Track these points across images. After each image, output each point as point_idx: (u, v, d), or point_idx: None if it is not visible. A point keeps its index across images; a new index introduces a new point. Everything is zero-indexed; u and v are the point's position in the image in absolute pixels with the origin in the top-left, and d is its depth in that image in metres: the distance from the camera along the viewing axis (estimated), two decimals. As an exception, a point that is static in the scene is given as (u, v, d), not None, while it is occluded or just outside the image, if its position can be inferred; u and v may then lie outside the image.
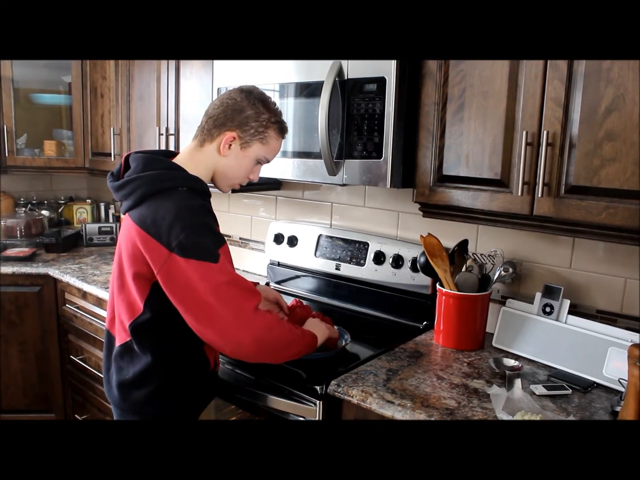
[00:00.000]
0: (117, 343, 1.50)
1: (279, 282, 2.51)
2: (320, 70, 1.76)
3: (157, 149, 2.52)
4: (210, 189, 1.50)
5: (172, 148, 2.52)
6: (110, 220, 3.47)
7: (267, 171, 1.97)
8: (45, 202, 3.47)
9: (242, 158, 1.48)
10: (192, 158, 1.48)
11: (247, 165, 1.50)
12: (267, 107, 1.47)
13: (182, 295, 1.33)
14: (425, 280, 2.00)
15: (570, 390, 1.54)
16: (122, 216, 1.51)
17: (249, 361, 1.45)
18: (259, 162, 1.52)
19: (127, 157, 1.49)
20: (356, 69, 1.70)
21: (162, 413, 1.49)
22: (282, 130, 1.51)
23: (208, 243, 1.33)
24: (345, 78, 1.72)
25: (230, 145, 1.46)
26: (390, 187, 1.69)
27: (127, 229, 1.41)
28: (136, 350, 1.45)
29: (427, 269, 1.89)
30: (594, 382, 1.58)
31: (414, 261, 2.03)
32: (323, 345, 1.63)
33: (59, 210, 3.52)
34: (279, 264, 2.51)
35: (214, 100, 1.52)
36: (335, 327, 1.75)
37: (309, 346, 1.53)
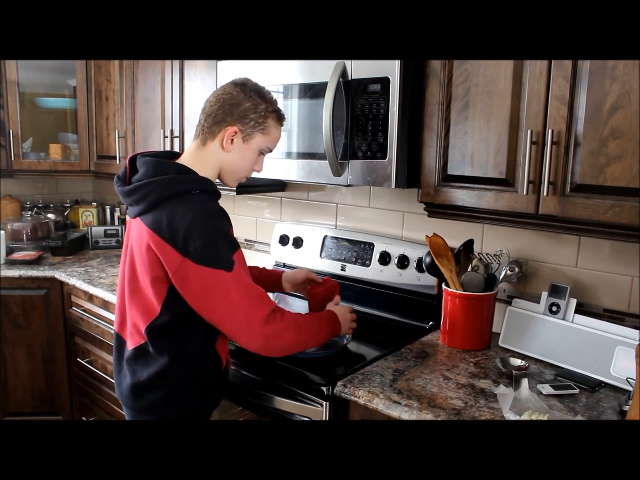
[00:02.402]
0: (130, 346, 1.51)
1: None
2: (324, 70, 1.76)
3: (161, 150, 2.53)
4: (219, 187, 1.51)
5: (176, 150, 2.52)
6: (116, 222, 3.48)
7: (272, 172, 1.97)
8: (51, 205, 3.48)
9: (246, 151, 1.49)
10: (197, 158, 1.48)
11: (251, 157, 1.51)
12: (264, 98, 1.47)
13: (197, 300, 1.37)
14: (431, 280, 2.00)
15: (578, 390, 1.53)
16: (128, 219, 1.51)
17: None
18: (262, 153, 1.53)
19: (132, 160, 1.49)
20: (360, 69, 1.70)
21: (177, 413, 1.50)
22: (280, 117, 1.52)
23: (223, 250, 1.35)
24: (349, 78, 1.72)
25: (232, 140, 1.46)
26: (395, 187, 1.69)
27: (140, 234, 1.41)
28: (151, 352, 1.46)
29: (433, 269, 1.88)
30: (602, 382, 1.57)
31: (420, 261, 2.03)
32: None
33: (65, 214, 3.53)
34: (284, 265, 2.51)
35: (208, 97, 1.50)
36: None
37: (325, 338, 1.58)
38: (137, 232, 1.43)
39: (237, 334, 1.40)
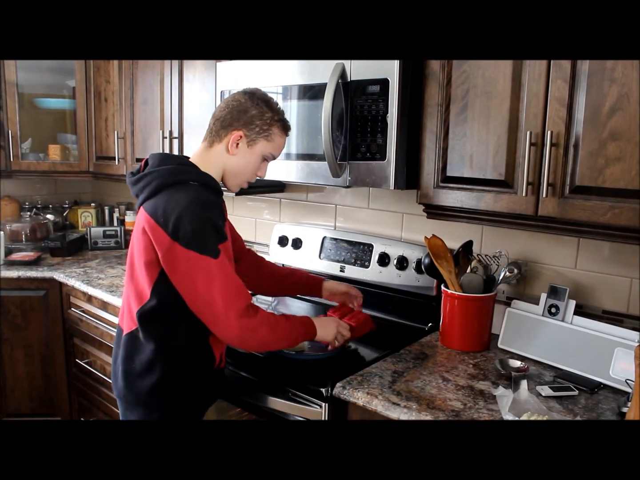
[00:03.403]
0: (124, 332, 1.55)
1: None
2: (323, 72, 1.76)
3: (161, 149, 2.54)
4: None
5: (175, 151, 2.53)
6: (115, 223, 3.48)
7: (271, 173, 1.97)
8: (50, 206, 3.48)
9: (250, 155, 1.54)
10: (203, 158, 1.55)
11: (255, 162, 1.56)
12: (270, 107, 1.54)
13: (182, 282, 1.41)
14: (430, 281, 1.99)
15: (577, 391, 1.53)
16: (137, 211, 1.55)
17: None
18: (266, 159, 1.59)
19: (147, 159, 1.56)
20: (359, 70, 1.70)
21: (167, 406, 1.53)
22: (285, 127, 1.58)
23: (211, 238, 1.40)
24: (348, 80, 1.72)
25: (237, 144, 1.52)
26: (394, 188, 1.69)
27: (139, 220, 1.47)
28: (141, 339, 1.50)
29: (432, 271, 1.88)
30: (601, 383, 1.57)
31: (419, 263, 2.02)
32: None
33: (64, 214, 3.53)
34: (283, 267, 2.51)
35: (219, 104, 1.58)
36: None
37: (298, 339, 1.58)
38: (138, 220, 1.49)
39: (214, 322, 1.42)
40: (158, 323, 1.48)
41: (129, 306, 1.54)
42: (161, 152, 1.58)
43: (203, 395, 1.60)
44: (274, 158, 1.60)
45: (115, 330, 1.67)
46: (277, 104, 1.56)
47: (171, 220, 1.38)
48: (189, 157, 1.57)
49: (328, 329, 1.64)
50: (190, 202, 1.40)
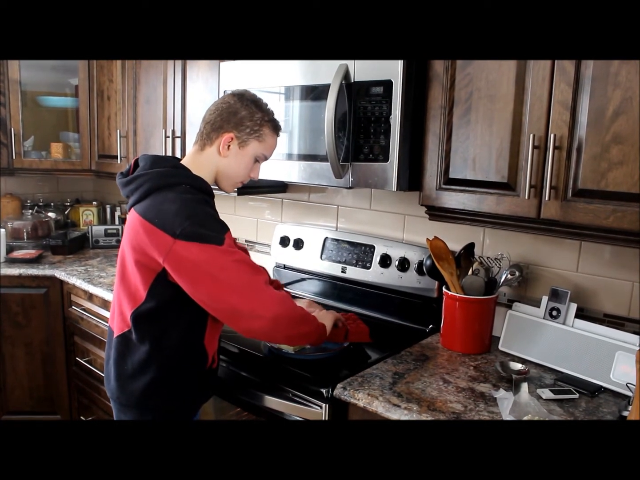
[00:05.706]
0: (115, 334, 1.54)
1: (284, 285, 2.50)
2: (326, 73, 1.76)
3: (164, 154, 2.54)
4: (215, 192, 1.56)
5: (178, 150, 2.53)
6: (116, 222, 3.48)
7: (273, 174, 1.97)
8: (52, 204, 3.48)
9: (242, 157, 1.54)
10: (194, 161, 1.54)
11: (247, 163, 1.56)
12: (260, 107, 1.54)
13: (193, 277, 1.37)
14: (432, 283, 2.00)
15: (578, 395, 1.53)
16: (127, 212, 1.55)
17: (262, 338, 1.55)
18: (258, 160, 1.58)
19: (137, 160, 1.55)
20: (362, 71, 1.70)
21: (159, 406, 1.52)
22: (275, 127, 1.57)
23: (212, 229, 1.40)
24: (352, 81, 1.72)
25: (229, 145, 1.52)
26: (397, 190, 1.69)
27: (132, 222, 1.46)
28: (134, 340, 1.49)
29: (434, 272, 1.89)
30: (602, 387, 1.57)
31: (420, 264, 2.03)
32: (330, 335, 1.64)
33: (65, 213, 3.53)
34: (284, 267, 2.51)
35: (209, 106, 1.58)
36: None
37: (318, 328, 1.54)
38: (130, 222, 1.48)
39: (240, 306, 1.36)
40: (153, 324, 1.47)
41: (120, 308, 1.53)
42: (153, 154, 1.57)
43: (195, 396, 1.59)
44: (266, 159, 1.60)
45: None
46: (267, 105, 1.56)
47: (167, 220, 1.37)
48: (180, 160, 1.57)
49: (325, 317, 1.63)
50: (184, 200, 1.40)
